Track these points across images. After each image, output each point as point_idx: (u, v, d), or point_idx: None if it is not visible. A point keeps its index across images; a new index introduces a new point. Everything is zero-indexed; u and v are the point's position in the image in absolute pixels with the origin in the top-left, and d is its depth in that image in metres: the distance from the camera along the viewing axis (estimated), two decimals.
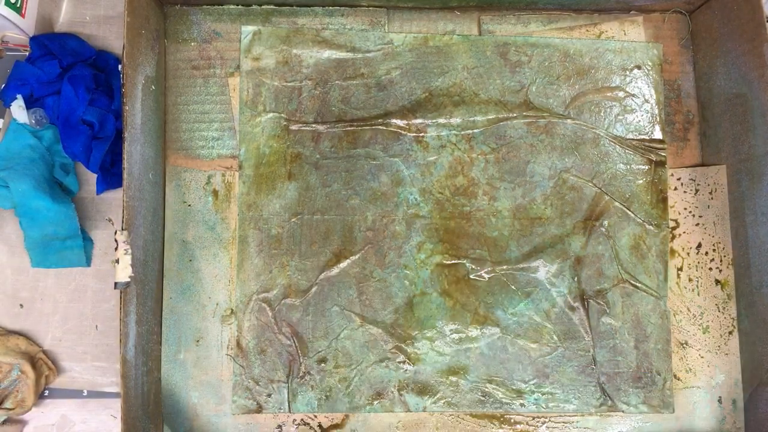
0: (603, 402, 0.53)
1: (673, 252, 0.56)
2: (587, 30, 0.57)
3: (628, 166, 0.55)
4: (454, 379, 0.53)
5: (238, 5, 0.55)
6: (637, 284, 0.54)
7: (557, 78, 0.56)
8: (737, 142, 0.53)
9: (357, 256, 0.53)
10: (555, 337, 0.54)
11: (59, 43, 0.53)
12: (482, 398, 0.53)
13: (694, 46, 0.58)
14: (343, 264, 0.53)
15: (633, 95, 0.56)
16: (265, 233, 0.53)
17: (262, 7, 0.55)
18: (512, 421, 0.53)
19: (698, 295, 0.55)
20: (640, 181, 0.55)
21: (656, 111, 0.56)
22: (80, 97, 0.51)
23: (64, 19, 0.56)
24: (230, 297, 0.53)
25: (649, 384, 0.54)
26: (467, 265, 0.54)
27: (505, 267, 0.54)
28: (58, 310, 0.53)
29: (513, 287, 0.54)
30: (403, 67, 0.55)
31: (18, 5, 0.50)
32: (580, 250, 0.54)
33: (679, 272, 0.55)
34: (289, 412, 0.52)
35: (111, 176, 0.53)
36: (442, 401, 0.53)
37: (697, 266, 0.55)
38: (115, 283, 0.45)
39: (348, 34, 0.55)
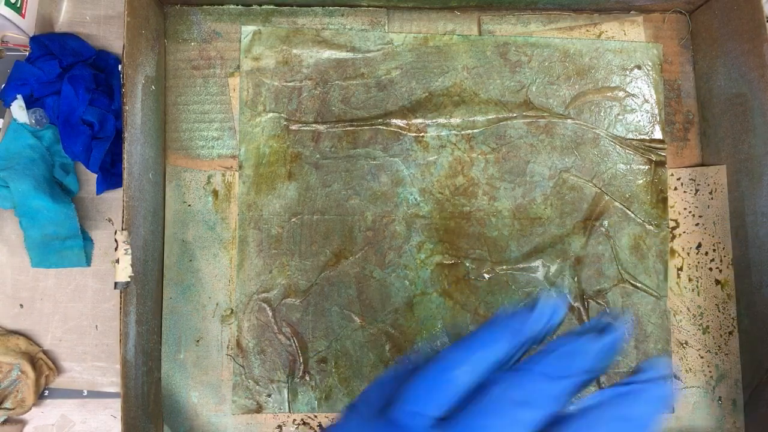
0: None
1: (673, 252, 0.56)
2: (587, 30, 0.57)
3: (628, 166, 0.55)
4: None
5: (238, 5, 0.55)
6: (637, 284, 0.54)
7: (557, 78, 0.56)
8: (737, 142, 0.53)
9: (357, 256, 0.53)
10: (555, 337, 0.53)
11: (59, 43, 0.53)
12: None
13: (694, 46, 0.58)
14: (343, 264, 0.53)
15: (633, 95, 0.56)
16: (265, 233, 0.53)
17: (262, 7, 0.56)
18: None
19: (698, 295, 0.55)
20: (640, 181, 0.55)
21: (656, 111, 0.56)
22: (80, 97, 0.51)
23: (64, 19, 0.56)
24: (230, 297, 0.53)
25: None
26: (467, 265, 0.54)
27: (505, 267, 0.54)
28: (58, 310, 0.53)
29: (513, 287, 0.54)
30: (403, 67, 0.55)
31: (18, 5, 0.50)
32: (580, 250, 0.54)
33: (679, 272, 0.55)
34: (289, 412, 0.52)
35: (111, 176, 0.53)
36: None
37: (697, 266, 0.55)
38: (115, 283, 0.45)
39: (348, 34, 0.55)
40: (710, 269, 0.55)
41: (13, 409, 0.50)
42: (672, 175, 0.56)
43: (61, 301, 0.53)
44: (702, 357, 0.55)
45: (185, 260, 0.53)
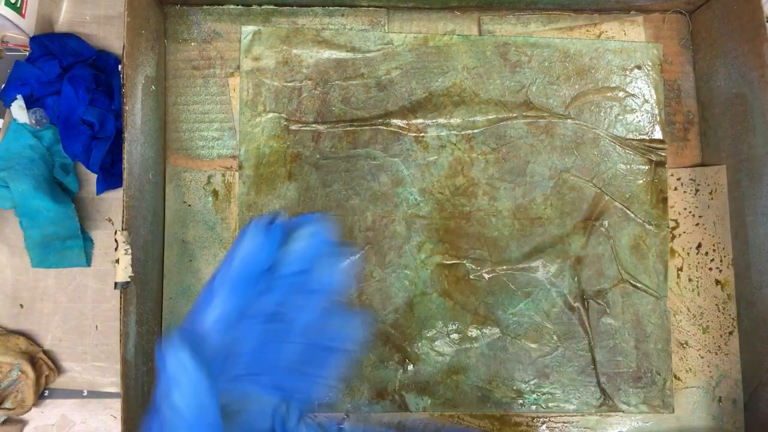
0: (603, 402, 0.53)
1: (673, 252, 0.56)
2: (587, 30, 0.57)
3: (628, 166, 0.55)
4: (454, 379, 0.53)
5: (238, 5, 0.55)
6: (637, 284, 0.54)
7: (557, 78, 0.56)
8: (737, 142, 0.53)
9: (357, 256, 0.53)
10: (555, 337, 0.54)
11: (59, 43, 0.53)
12: (482, 398, 0.53)
13: (694, 46, 0.58)
14: (343, 264, 0.53)
15: (633, 95, 0.56)
16: None
17: (262, 7, 0.56)
18: (512, 421, 0.53)
19: (698, 295, 0.55)
20: (640, 181, 0.55)
21: (656, 111, 0.56)
22: (80, 97, 0.51)
23: (64, 19, 0.56)
24: None
25: (649, 384, 0.54)
26: (467, 265, 0.54)
27: (505, 267, 0.54)
28: (58, 310, 0.53)
29: (513, 287, 0.54)
30: (403, 67, 0.55)
31: (18, 5, 0.50)
32: (580, 250, 0.54)
33: (679, 272, 0.55)
34: None
35: (111, 176, 0.53)
36: (442, 401, 0.53)
37: (697, 266, 0.55)
38: (115, 283, 0.45)
39: (348, 34, 0.55)
40: (710, 269, 0.55)
41: (13, 409, 0.50)
42: (672, 175, 0.56)
43: (61, 301, 0.53)
44: (702, 357, 0.55)
45: (185, 260, 0.53)
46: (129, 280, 0.46)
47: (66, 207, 0.52)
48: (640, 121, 0.56)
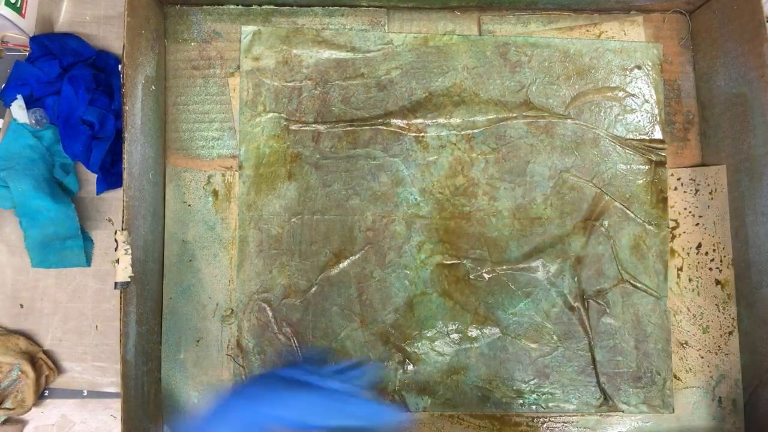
0: (603, 402, 0.53)
1: (673, 252, 0.56)
2: (587, 30, 0.57)
3: (628, 166, 0.55)
4: (454, 378, 0.53)
5: (238, 5, 0.55)
6: (637, 284, 0.54)
7: (557, 78, 0.56)
8: (737, 142, 0.53)
9: (357, 256, 0.53)
10: (555, 337, 0.54)
11: (59, 43, 0.53)
12: (482, 398, 0.53)
13: (694, 46, 0.58)
14: (343, 264, 0.53)
15: (633, 95, 0.56)
16: (265, 233, 0.53)
17: (262, 7, 0.56)
18: (512, 421, 0.53)
19: (698, 295, 0.55)
20: (640, 181, 0.55)
21: (656, 111, 0.56)
22: (80, 97, 0.51)
23: (64, 19, 0.56)
24: (230, 297, 0.53)
25: (649, 384, 0.54)
26: (467, 265, 0.54)
27: (505, 267, 0.54)
28: (58, 310, 0.53)
29: (513, 287, 0.54)
30: (403, 67, 0.55)
31: (18, 5, 0.50)
32: (580, 250, 0.54)
33: (679, 272, 0.55)
34: None
35: (111, 176, 0.53)
36: (442, 401, 0.53)
37: (697, 266, 0.55)
38: (115, 283, 0.45)
39: (348, 34, 0.55)
40: (710, 269, 0.55)
41: (13, 409, 0.50)
42: (672, 175, 0.56)
43: (61, 301, 0.53)
44: (702, 357, 0.55)
45: (185, 260, 0.53)
46: (129, 280, 0.46)
47: (66, 207, 0.52)
48: (640, 121, 0.56)
